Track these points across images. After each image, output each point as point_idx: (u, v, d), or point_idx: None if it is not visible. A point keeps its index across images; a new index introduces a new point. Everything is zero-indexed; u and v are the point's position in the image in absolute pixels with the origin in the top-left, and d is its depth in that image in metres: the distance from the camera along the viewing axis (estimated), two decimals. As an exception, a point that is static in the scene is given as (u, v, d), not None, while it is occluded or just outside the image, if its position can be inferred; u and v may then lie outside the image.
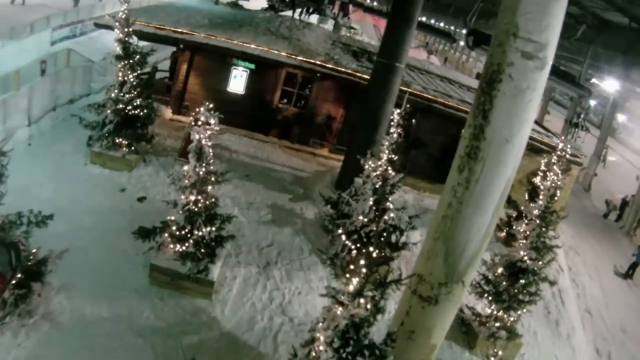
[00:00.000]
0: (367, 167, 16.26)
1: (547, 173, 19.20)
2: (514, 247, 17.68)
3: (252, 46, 23.68)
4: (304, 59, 23.83)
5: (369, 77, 22.68)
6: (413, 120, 24.49)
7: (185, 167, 14.25)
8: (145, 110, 19.78)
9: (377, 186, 15.95)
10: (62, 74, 23.77)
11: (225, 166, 20.58)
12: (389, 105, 20.49)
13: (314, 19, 36.66)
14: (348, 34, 37.17)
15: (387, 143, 15.86)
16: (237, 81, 25.03)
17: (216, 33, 23.89)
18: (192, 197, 14.09)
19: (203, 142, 14.11)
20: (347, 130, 24.74)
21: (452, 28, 53.35)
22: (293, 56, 23.77)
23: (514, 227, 19.96)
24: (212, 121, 14.55)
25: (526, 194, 22.22)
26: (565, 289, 21.71)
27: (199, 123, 14.45)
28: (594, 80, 45.50)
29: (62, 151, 20.05)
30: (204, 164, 14.20)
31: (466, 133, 10.38)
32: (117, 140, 19.51)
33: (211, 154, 14.44)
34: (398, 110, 16.23)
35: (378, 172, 15.87)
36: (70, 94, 23.74)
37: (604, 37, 35.05)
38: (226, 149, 23.15)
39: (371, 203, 15.99)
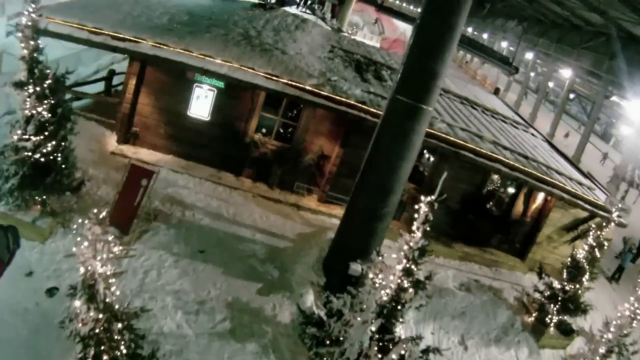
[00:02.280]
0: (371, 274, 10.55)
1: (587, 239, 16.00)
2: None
3: (218, 61, 15.35)
4: (290, 81, 15.51)
5: (378, 111, 14.99)
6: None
7: (77, 304, 7.84)
8: (61, 156, 12.65)
9: (384, 304, 10.10)
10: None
11: (172, 235, 14.03)
12: (407, 164, 13.02)
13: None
14: (349, 33, 29.07)
15: (406, 246, 9.78)
16: (201, 103, 16.86)
17: (171, 40, 15.59)
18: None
19: (97, 275, 7.65)
20: (344, 174, 16.89)
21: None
22: (274, 77, 15.42)
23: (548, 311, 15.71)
24: (108, 238, 7.68)
25: (564, 271, 15.87)
26: None
27: (87, 245, 7.55)
28: (614, 98, 37.77)
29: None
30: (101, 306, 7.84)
31: None
32: (26, 198, 12.45)
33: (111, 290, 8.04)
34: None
35: (387, 289, 10.01)
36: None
37: (629, 52, 29.19)
38: (178, 204, 15.25)
39: (373, 330, 10.20)
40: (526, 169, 17.04)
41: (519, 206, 19.35)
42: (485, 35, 70.82)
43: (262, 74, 15.29)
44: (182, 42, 15.58)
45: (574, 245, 18.57)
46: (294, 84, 15.35)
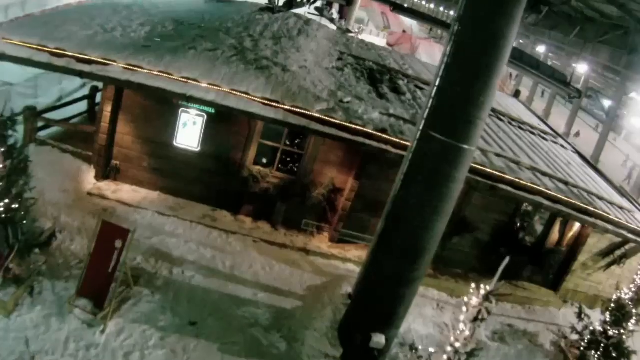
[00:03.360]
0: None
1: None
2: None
3: (204, 85, 11.87)
4: (293, 107, 12.06)
5: (401, 141, 12.01)
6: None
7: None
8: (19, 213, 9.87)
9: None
10: None
11: (158, 303, 10.86)
12: (443, 219, 9.78)
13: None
14: (356, 32, 25.49)
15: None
16: (189, 131, 13.38)
17: (146, 61, 12.17)
18: None
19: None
20: (360, 209, 13.79)
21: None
22: (273, 104, 11.94)
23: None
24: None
25: (606, 312, 12.98)
26: None
27: None
28: (633, 95, 34.02)
29: None
30: None
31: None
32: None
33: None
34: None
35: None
36: None
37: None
38: (165, 259, 11.99)
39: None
40: (569, 200, 13.77)
41: (555, 234, 16.30)
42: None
43: (258, 99, 11.84)
44: (161, 63, 12.14)
45: (610, 272, 16.04)
46: (298, 110, 11.86)
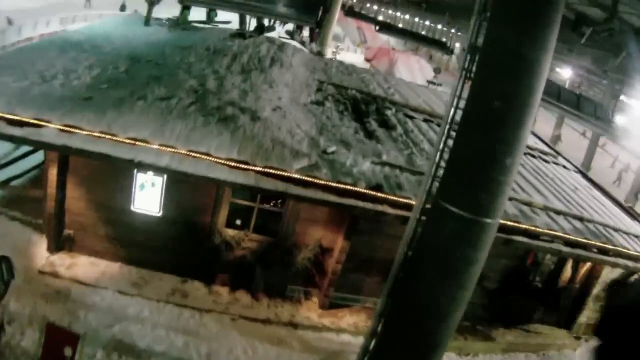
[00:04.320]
0: None
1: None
2: None
3: (154, 147, 9.17)
4: (266, 169, 9.39)
5: (399, 199, 9.65)
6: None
7: None
8: None
9: None
10: None
11: None
12: (461, 307, 7.23)
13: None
14: (333, 51, 22.99)
15: None
16: (148, 194, 10.58)
17: (86, 119, 9.57)
18: None
19: None
20: (353, 269, 11.28)
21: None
22: (242, 165, 9.26)
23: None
24: None
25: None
26: None
27: None
28: (622, 98, 31.62)
29: None
30: None
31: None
32: None
33: None
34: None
35: None
36: None
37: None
38: (129, 353, 9.38)
39: None
40: (588, 241, 11.54)
41: (567, 272, 13.91)
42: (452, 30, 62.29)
43: (222, 161, 9.16)
44: (103, 120, 9.53)
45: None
46: (273, 172, 9.21)
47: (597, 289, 13.55)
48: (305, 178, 9.29)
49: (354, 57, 37.57)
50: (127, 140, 9.26)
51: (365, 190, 9.43)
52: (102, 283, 10.89)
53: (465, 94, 7.05)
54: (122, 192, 10.66)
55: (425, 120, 14.56)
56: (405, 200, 9.45)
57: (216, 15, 21.25)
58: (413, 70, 36.19)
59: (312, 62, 16.96)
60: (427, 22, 53.34)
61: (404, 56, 38.02)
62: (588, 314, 13.96)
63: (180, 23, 18.40)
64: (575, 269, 13.76)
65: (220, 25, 20.55)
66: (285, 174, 9.29)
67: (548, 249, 10.96)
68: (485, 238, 6.90)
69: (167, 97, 10.62)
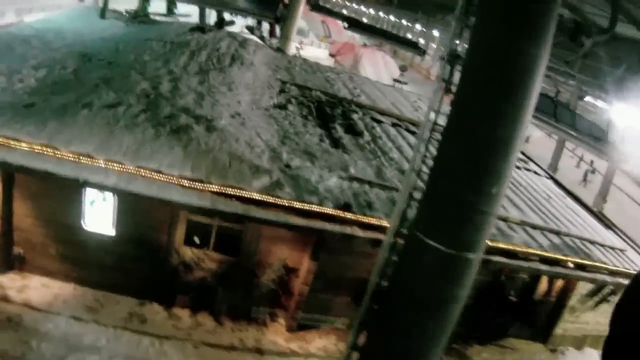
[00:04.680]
0: None
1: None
2: None
3: (100, 164, 8.07)
4: (222, 189, 8.34)
5: (371, 221, 8.77)
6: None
7: None
8: None
9: None
10: None
11: None
12: (441, 342, 6.48)
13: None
14: (297, 47, 21.98)
15: None
16: (99, 211, 9.53)
17: (25, 130, 8.39)
18: None
19: None
20: (322, 289, 10.29)
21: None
22: (197, 184, 8.21)
23: None
24: None
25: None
26: None
27: None
28: (588, 98, 31.10)
29: None
30: None
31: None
32: None
33: None
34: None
35: None
36: None
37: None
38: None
39: None
40: (567, 257, 11.01)
41: (543, 285, 13.23)
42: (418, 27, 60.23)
43: (174, 180, 8.11)
44: (44, 132, 8.38)
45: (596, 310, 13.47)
46: (231, 192, 8.21)
47: (572, 301, 13.01)
48: (267, 199, 8.32)
49: (318, 52, 36.45)
50: (70, 156, 8.13)
51: (332, 212, 8.53)
52: (55, 307, 9.73)
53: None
54: (73, 208, 9.54)
55: (393, 125, 13.76)
56: (375, 222, 8.60)
57: (176, 7, 20.15)
58: (378, 67, 35.32)
59: (275, 60, 15.92)
60: (402, 20, 52.27)
61: (369, 52, 37.11)
62: (564, 326, 13.46)
63: (137, 16, 17.17)
64: (551, 282, 13.23)
65: (180, 19, 19.43)
66: (245, 194, 8.29)
67: (527, 268, 10.40)
68: (467, 274, 6.15)
69: (115, 103, 9.48)
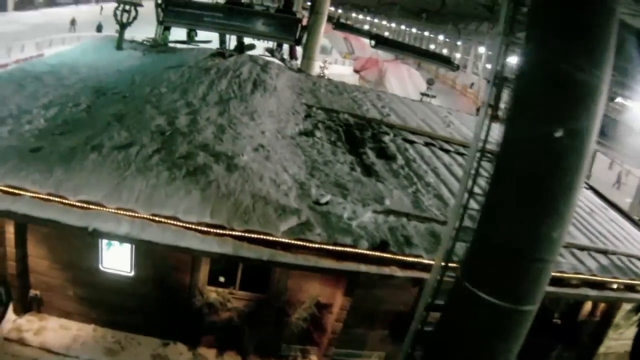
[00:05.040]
0: None
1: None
2: None
3: (110, 210, 7.24)
4: (245, 234, 7.40)
5: (408, 258, 7.84)
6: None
7: None
8: None
9: None
10: None
11: None
12: None
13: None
14: (321, 67, 21.22)
15: None
16: (117, 252, 8.86)
17: (31, 178, 7.60)
18: None
19: None
20: (356, 325, 9.44)
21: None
22: (217, 230, 7.31)
23: None
24: None
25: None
26: None
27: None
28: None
29: None
30: None
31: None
32: None
33: None
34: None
35: None
36: None
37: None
38: None
39: None
40: (617, 279, 9.88)
41: (588, 305, 12.09)
42: (440, 37, 58.65)
43: (193, 226, 7.25)
44: (50, 179, 7.65)
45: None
46: (255, 236, 7.31)
47: (617, 318, 11.85)
48: (295, 242, 7.39)
49: (342, 69, 35.67)
50: (78, 204, 7.36)
51: (367, 252, 7.56)
52: (74, 350, 9.10)
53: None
54: (88, 250, 8.85)
55: (426, 144, 12.77)
56: (415, 260, 7.63)
57: (196, 34, 19.62)
58: (403, 80, 34.37)
59: (299, 82, 15.09)
60: (425, 32, 51.14)
61: (393, 65, 36.18)
62: (607, 344, 12.28)
63: (156, 45, 16.64)
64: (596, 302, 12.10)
65: (201, 45, 18.86)
66: (270, 238, 7.38)
67: (575, 295, 9.36)
68: (523, 328, 5.23)
69: (127, 144, 8.70)
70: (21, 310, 9.39)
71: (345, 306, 9.13)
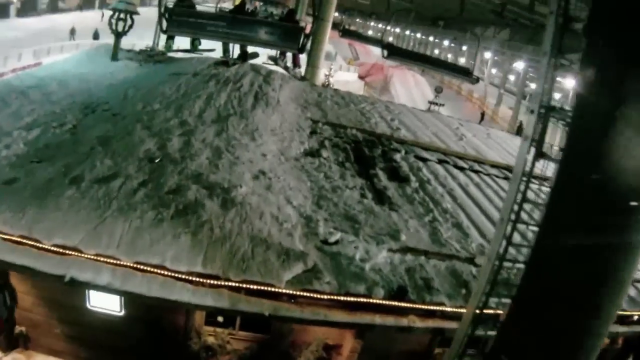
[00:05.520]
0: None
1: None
2: None
3: (89, 257, 6.13)
4: (244, 283, 6.30)
5: (429, 307, 6.71)
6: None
7: None
8: None
9: None
10: None
11: None
12: None
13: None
14: (326, 75, 20.16)
15: None
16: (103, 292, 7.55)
17: (3, 217, 6.36)
18: None
19: None
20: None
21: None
22: (211, 281, 6.21)
23: None
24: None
25: None
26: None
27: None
28: None
29: None
30: None
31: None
32: None
33: None
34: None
35: None
36: None
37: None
38: None
39: None
40: None
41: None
42: (446, 42, 56.82)
43: (183, 276, 6.17)
44: (22, 220, 6.53)
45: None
46: (254, 288, 6.22)
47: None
48: (300, 293, 6.30)
49: (347, 76, 34.31)
50: (54, 249, 6.31)
51: (382, 302, 6.47)
52: None
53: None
54: (73, 288, 7.73)
55: (440, 162, 11.69)
56: (437, 308, 6.54)
57: (200, 43, 18.73)
58: (409, 86, 33.22)
59: (303, 94, 14.04)
60: (430, 37, 49.84)
61: (399, 72, 34.98)
62: None
63: (154, 55, 15.69)
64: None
65: (205, 54, 17.96)
66: (272, 289, 6.29)
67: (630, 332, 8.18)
68: None
69: (110, 175, 7.62)
70: (7, 348, 8.37)
71: (356, 349, 8.05)
